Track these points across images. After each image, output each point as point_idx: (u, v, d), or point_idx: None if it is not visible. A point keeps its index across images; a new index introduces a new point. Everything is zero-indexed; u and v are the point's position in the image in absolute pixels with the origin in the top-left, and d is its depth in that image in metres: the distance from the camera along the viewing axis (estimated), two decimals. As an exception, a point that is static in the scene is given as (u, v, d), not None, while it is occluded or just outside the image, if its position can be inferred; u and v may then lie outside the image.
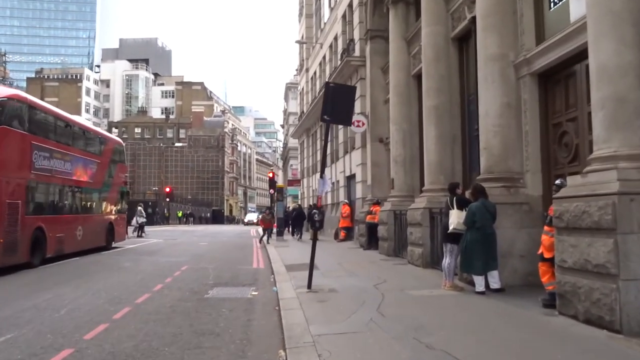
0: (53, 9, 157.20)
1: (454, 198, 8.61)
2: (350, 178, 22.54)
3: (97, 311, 7.53)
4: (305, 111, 32.58)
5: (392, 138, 15.54)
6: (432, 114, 12.28)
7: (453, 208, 8.53)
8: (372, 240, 17.27)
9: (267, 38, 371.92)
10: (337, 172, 25.20)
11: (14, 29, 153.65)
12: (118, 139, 20.41)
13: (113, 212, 19.05)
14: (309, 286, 8.83)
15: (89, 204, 17.12)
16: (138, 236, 26.82)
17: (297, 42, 33.35)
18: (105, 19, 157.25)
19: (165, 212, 55.35)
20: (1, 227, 11.33)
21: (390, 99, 15.88)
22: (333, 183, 26.45)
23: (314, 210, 8.80)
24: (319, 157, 30.11)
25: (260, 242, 21.69)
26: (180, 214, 57.66)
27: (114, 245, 19.15)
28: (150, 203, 53.55)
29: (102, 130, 19.59)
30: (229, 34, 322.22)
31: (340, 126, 23.46)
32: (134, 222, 27.69)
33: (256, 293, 9.40)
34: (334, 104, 8.77)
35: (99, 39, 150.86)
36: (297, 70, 39.53)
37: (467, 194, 8.92)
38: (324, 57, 28.22)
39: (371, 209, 17.29)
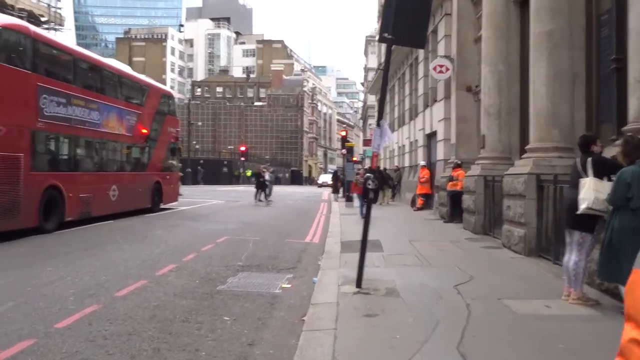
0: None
1: (590, 159, 5.41)
2: (431, 136, 19.24)
3: (46, 311, 5.32)
4: (382, 63, 29.15)
5: (483, 84, 12.14)
6: (544, 44, 8.82)
7: (586, 175, 5.36)
8: (454, 211, 14.17)
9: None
10: (415, 130, 21.91)
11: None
12: (166, 87, 18.40)
13: (161, 171, 17.23)
14: (359, 283, 6.13)
15: (126, 160, 15.36)
16: (259, 200, 22.49)
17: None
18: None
19: (241, 171, 54.58)
20: None
21: (482, 35, 12.38)
22: (411, 142, 23.21)
23: (367, 174, 5.95)
24: (396, 114, 26.80)
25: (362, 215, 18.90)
26: (249, 174, 55.90)
27: (162, 206, 17.45)
28: (225, 162, 53.08)
29: (144, 77, 17.57)
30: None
31: (420, 75, 20.03)
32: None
33: (288, 285, 6.86)
34: (400, 15, 5.77)
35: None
36: (377, 19, 35.82)
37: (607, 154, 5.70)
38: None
39: (453, 173, 14.12)
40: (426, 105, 19.29)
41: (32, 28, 10.88)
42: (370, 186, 5.92)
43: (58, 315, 5.17)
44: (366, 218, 6.02)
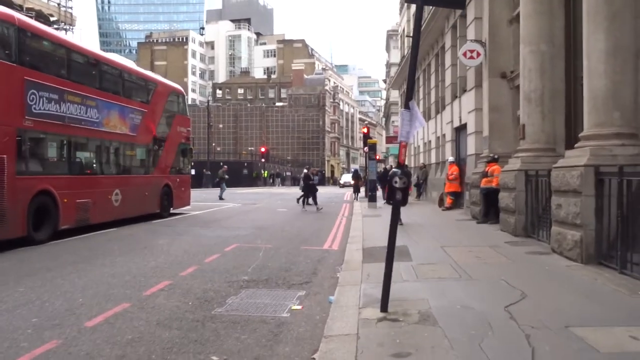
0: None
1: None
2: (460, 130, 17.82)
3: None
4: (406, 55, 27.75)
5: (523, 67, 10.74)
6: (602, 13, 7.42)
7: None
8: (489, 211, 12.80)
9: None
10: (442, 124, 20.47)
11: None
12: (175, 85, 17.25)
13: (170, 173, 16.21)
14: (384, 306, 4.90)
15: (130, 162, 14.27)
16: (304, 204, 20.21)
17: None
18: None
19: (262, 172, 53.67)
20: None
21: (521, 12, 10.98)
22: (438, 137, 21.77)
23: (394, 170, 4.71)
24: (422, 108, 25.36)
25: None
26: (266, 174, 54.92)
27: (173, 211, 16.39)
28: (246, 164, 52.27)
29: (150, 73, 16.42)
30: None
31: (447, 65, 18.60)
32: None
33: (299, 307, 5.65)
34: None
35: (207, 1, 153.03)
36: (399, 11, 34.43)
37: None
38: (428, -16, 23.03)
39: (487, 169, 12.74)
40: (454, 97, 17.86)
41: (18, 16, 9.77)
42: (397, 185, 4.66)
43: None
44: (392, 225, 4.76)
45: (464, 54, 13.90)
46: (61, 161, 11.35)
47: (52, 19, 22.01)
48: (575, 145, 7.84)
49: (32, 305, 5.65)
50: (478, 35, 14.44)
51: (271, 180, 54.26)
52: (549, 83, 10.33)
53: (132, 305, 5.63)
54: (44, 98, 10.14)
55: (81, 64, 11.95)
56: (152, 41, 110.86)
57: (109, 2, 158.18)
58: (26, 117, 9.77)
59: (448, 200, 17.29)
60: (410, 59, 4.78)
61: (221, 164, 29.03)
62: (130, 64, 14.92)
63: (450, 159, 17.66)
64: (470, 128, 15.55)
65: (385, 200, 21.60)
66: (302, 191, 20.58)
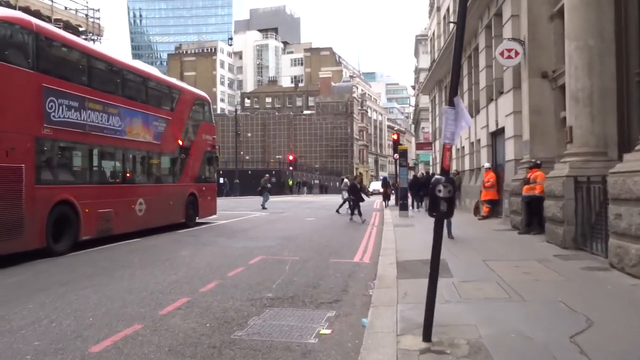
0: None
1: None
2: (496, 134, 16.94)
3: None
4: (436, 59, 26.94)
5: (569, 64, 9.91)
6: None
7: None
8: (532, 220, 11.96)
9: None
10: (477, 129, 19.58)
11: (161, 11, 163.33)
12: (200, 92, 16.88)
13: (195, 181, 15.81)
14: (427, 335, 4.22)
15: (155, 171, 13.85)
16: (352, 215, 18.59)
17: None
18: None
19: (290, 181, 53.27)
20: None
21: (565, 5, 10.17)
22: (472, 143, 20.87)
23: (437, 177, 4.04)
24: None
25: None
26: (291, 183, 54.17)
27: (199, 220, 15.96)
28: (273, 172, 51.90)
29: (175, 80, 16.10)
30: None
31: (482, 67, 17.77)
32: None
33: (328, 331, 5.02)
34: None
35: (234, 12, 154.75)
36: (428, 12, 33.60)
37: None
38: (460, -15, 22.25)
39: (529, 175, 11.90)
40: (490, 100, 17.01)
41: (36, 22, 9.47)
42: (441, 194, 3.99)
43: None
44: (436, 241, 4.09)
45: (501, 54, 13.10)
46: (82, 170, 11.01)
47: (80, 29, 22.12)
48: (637, 148, 7.01)
49: (39, 325, 5.18)
50: (515, 33, 13.63)
51: (297, 189, 53.33)
52: (599, 81, 9.49)
53: (144, 327, 5.10)
54: (64, 106, 9.82)
55: (102, 70, 11.65)
56: (181, 52, 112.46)
57: (140, 16, 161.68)
58: (45, 125, 9.43)
59: (485, 209, 16.41)
60: (454, 47, 4.13)
61: (266, 175, 28.63)
62: (154, 70, 14.63)
63: (487, 165, 16.77)
64: (509, 132, 14.69)
65: (416, 208, 20.48)
66: (347, 201, 19.55)
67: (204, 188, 16.11)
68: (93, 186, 11.06)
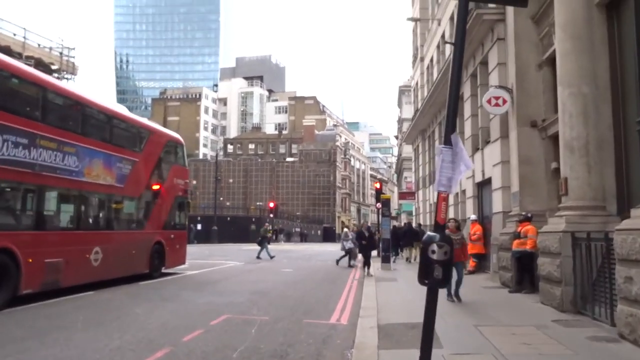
0: (182, 37, 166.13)
1: None
2: (482, 185, 16.30)
3: None
4: (419, 108, 26.70)
5: (562, 112, 9.34)
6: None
7: None
8: (523, 278, 11.13)
9: (382, 50, 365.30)
10: (462, 179, 18.96)
11: (148, 57, 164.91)
12: (173, 133, 16.03)
13: (164, 229, 14.70)
14: None
15: (116, 216, 12.77)
16: (349, 266, 19.18)
17: (409, 19, 27.62)
18: (226, 41, 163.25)
19: (270, 229, 51.89)
20: None
21: (558, 51, 9.71)
22: (457, 194, 20.20)
23: (430, 234, 3.12)
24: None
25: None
26: (269, 233, 51.90)
27: (165, 270, 14.73)
28: (254, 219, 50.70)
29: (144, 120, 14.96)
30: (342, 48, 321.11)
31: (467, 116, 17.31)
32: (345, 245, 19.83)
33: None
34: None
35: (221, 61, 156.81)
36: (412, 63, 33.72)
37: None
38: (443, 36, 22.25)
39: (519, 229, 11.13)
40: (476, 149, 16.46)
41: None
42: (435, 256, 3.12)
43: None
44: (427, 320, 3.17)
45: (489, 101, 12.63)
46: (27, 214, 9.86)
47: (53, 67, 21.40)
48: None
49: None
50: (502, 82, 13.20)
51: (274, 237, 50.93)
52: (594, 131, 8.90)
53: (57, 418, 4.01)
54: (9, 142, 8.80)
55: (60, 105, 10.69)
56: (166, 97, 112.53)
57: (127, 61, 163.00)
58: (-21, 162, 8.37)
59: (471, 263, 15.54)
60: (452, 73, 3.38)
61: (266, 223, 27.47)
62: (122, 109, 13.74)
63: (473, 217, 16.04)
64: (496, 183, 14.03)
65: (393, 258, 19.11)
66: (360, 252, 18.38)
67: (172, 236, 14.93)
68: (40, 232, 9.84)
